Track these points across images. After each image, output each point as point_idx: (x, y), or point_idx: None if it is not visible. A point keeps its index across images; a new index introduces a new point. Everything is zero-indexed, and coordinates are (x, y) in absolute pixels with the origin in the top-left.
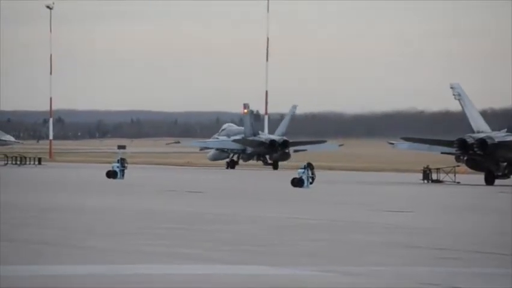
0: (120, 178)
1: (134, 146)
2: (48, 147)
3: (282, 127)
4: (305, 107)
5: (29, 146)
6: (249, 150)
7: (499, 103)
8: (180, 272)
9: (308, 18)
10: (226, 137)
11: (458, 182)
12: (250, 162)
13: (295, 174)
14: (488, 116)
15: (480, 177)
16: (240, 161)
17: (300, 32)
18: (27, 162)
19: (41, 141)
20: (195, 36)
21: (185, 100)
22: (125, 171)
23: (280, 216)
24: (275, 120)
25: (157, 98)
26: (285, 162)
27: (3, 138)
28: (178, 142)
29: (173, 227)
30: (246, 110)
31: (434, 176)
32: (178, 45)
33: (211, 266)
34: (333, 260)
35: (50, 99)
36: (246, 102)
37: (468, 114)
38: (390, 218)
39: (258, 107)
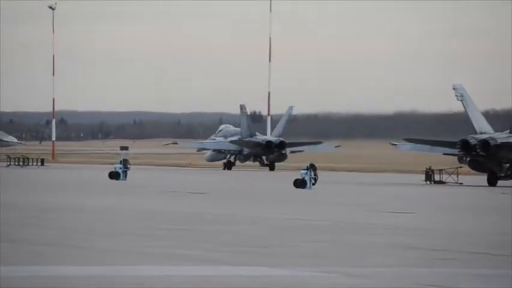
0: (122, 179)
1: (137, 147)
2: (51, 148)
3: (278, 128)
4: (307, 108)
5: (32, 147)
6: (246, 151)
7: (501, 104)
8: (182, 274)
9: (309, 18)
10: (223, 138)
11: (461, 183)
12: (247, 163)
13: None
14: (491, 117)
15: (483, 178)
16: (237, 162)
17: (301, 32)
18: (30, 163)
19: (43, 142)
20: (197, 37)
21: (188, 101)
22: (128, 172)
23: (284, 218)
24: (277, 121)
25: (160, 98)
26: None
27: (5, 139)
28: (176, 143)
29: (176, 228)
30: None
31: (437, 177)
32: (180, 46)
33: (212, 267)
34: (335, 260)
35: (53, 100)
36: (242, 103)
37: (470, 115)
38: (392, 219)
39: (260, 108)
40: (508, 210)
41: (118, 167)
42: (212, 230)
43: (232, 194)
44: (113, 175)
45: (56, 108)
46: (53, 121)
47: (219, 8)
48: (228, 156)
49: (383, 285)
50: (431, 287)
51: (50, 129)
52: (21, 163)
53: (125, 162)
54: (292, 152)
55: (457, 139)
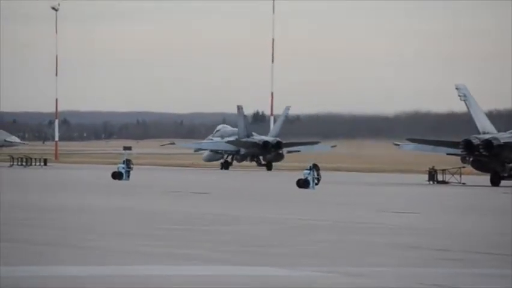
0: (125, 179)
1: (140, 147)
2: (54, 148)
3: (275, 128)
4: (309, 108)
5: (35, 147)
6: (243, 151)
7: (504, 104)
8: (183, 273)
9: (309, 18)
10: (221, 138)
11: (464, 183)
12: (244, 163)
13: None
14: (494, 117)
15: (486, 178)
16: (234, 162)
17: (303, 32)
18: (33, 164)
19: (46, 143)
20: (200, 37)
21: (190, 101)
22: (131, 172)
23: (287, 218)
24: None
25: (162, 99)
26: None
27: (8, 140)
28: (173, 143)
29: (178, 228)
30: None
31: (440, 177)
32: (184, 46)
33: (213, 267)
34: (336, 260)
35: (56, 100)
36: (240, 104)
37: (474, 115)
38: (395, 219)
39: (263, 108)
40: (511, 210)
41: (121, 167)
42: (214, 230)
43: (235, 194)
44: (116, 175)
45: (59, 109)
46: (56, 121)
47: (222, 8)
48: (226, 156)
49: (384, 285)
50: (433, 287)
51: (53, 130)
52: (24, 163)
53: (128, 162)
54: (289, 152)
55: (459, 139)
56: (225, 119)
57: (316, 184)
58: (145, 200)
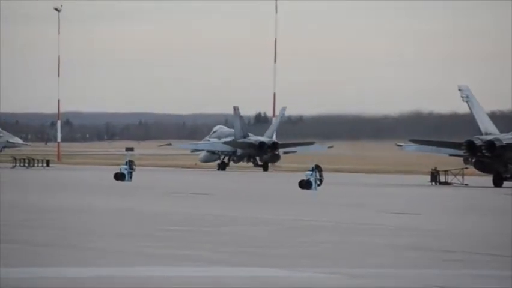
0: (128, 180)
1: (142, 148)
2: (56, 149)
3: (271, 129)
4: (312, 109)
5: (37, 148)
6: (239, 152)
7: (506, 105)
8: (183, 274)
9: (310, 18)
10: (217, 139)
11: (466, 184)
12: (241, 163)
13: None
14: (496, 117)
15: (488, 179)
16: (231, 163)
17: (303, 32)
18: (36, 165)
19: (49, 144)
20: (202, 37)
21: (193, 102)
22: (133, 173)
23: (290, 218)
24: (283, 123)
25: (165, 100)
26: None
27: (11, 141)
28: (170, 144)
29: (180, 229)
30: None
31: (442, 178)
32: (186, 46)
33: (214, 268)
34: (337, 261)
35: (58, 101)
36: (235, 105)
37: (476, 116)
38: (397, 220)
39: (265, 109)
40: None
41: (123, 168)
42: (216, 231)
43: (238, 196)
44: (119, 176)
45: (61, 110)
46: (59, 122)
47: (223, 8)
48: (222, 157)
49: (386, 286)
50: None
51: (56, 131)
52: (26, 164)
53: (130, 164)
54: (285, 152)
55: (462, 140)
56: (227, 120)
57: (319, 185)
58: (146, 201)
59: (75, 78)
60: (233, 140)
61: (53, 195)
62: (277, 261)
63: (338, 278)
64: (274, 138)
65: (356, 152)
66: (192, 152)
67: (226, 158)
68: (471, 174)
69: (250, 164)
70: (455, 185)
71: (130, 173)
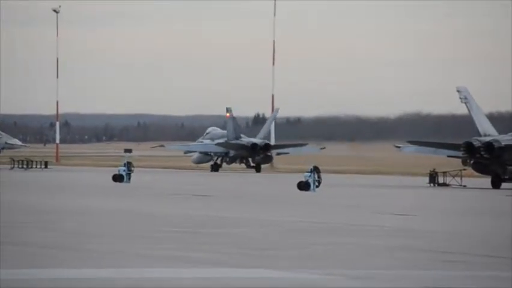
0: (126, 182)
1: (141, 150)
2: (55, 150)
3: (264, 130)
4: (310, 110)
5: (36, 150)
6: (232, 153)
7: (505, 106)
8: (183, 276)
9: (310, 19)
10: (210, 141)
11: (465, 186)
12: (233, 165)
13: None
14: (495, 119)
15: (487, 180)
16: (224, 164)
17: (303, 33)
18: (34, 166)
19: (47, 145)
20: (201, 39)
21: (191, 104)
22: (132, 174)
23: (289, 220)
24: (281, 125)
25: (163, 101)
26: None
27: (10, 142)
28: (162, 146)
29: (182, 231)
30: (228, 114)
31: (441, 180)
32: (184, 48)
33: (214, 270)
34: (337, 263)
35: (57, 102)
36: (228, 106)
37: (475, 118)
38: (395, 221)
39: (264, 110)
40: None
41: (121, 170)
42: (217, 232)
43: (237, 197)
44: (117, 178)
45: (60, 111)
46: (57, 124)
47: (222, 10)
48: (215, 158)
49: (382, 287)
50: None
51: (54, 132)
52: (25, 166)
53: (129, 165)
54: (278, 154)
55: (460, 141)
56: (226, 121)
57: (317, 186)
58: (144, 203)
59: (73, 79)
60: (226, 141)
61: (51, 197)
62: (277, 263)
63: (336, 279)
64: (272, 140)
65: (354, 153)
66: (184, 153)
67: (219, 159)
68: (469, 176)
69: (243, 165)
70: (453, 186)
71: (129, 175)
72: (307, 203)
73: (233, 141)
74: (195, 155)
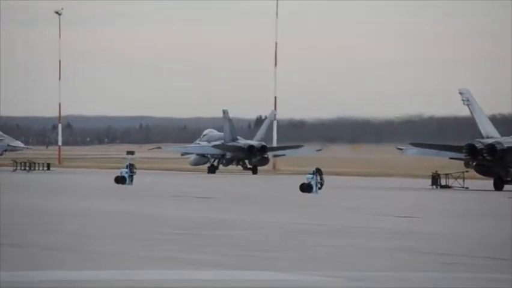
0: (129, 184)
1: (143, 152)
2: (57, 153)
3: (260, 132)
4: (312, 113)
5: (38, 152)
6: (229, 155)
7: (508, 108)
8: (184, 278)
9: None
10: (207, 143)
11: (467, 188)
12: (230, 167)
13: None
14: (497, 121)
15: (489, 182)
16: (220, 166)
17: (302, 33)
18: (36, 168)
19: (50, 147)
20: (203, 40)
21: (194, 106)
22: (134, 176)
23: (291, 222)
24: (283, 127)
25: (166, 103)
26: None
27: (12, 144)
28: (159, 148)
29: (184, 233)
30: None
31: (443, 182)
32: (186, 50)
33: (215, 272)
34: (339, 265)
35: (59, 104)
36: (225, 108)
37: (477, 120)
38: (397, 223)
39: (266, 112)
40: None
41: (124, 172)
42: (219, 234)
43: (237, 199)
44: (119, 180)
45: (62, 113)
46: (60, 126)
47: (223, 11)
48: (212, 160)
49: None
50: None
51: (57, 134)
52: (27, 168)
53: (131, 167)
54: (275, 156)
55: (463, 143)
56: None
57: (320, 188)
58: (146, 205)
59: (76, 81)
60: (222, 143)
61: (53, 199)
62: (279, 264)
63: (335, 281)
64: (274, 142)
65: (357, 155)
66: (182, 155)
67: (216, 161)
68: (472, 178)
69: (240, 167)
70: (455, 188)
71: (131, 177)
72: (309, 205)
73: (230, 143)
74: (192, 157)
